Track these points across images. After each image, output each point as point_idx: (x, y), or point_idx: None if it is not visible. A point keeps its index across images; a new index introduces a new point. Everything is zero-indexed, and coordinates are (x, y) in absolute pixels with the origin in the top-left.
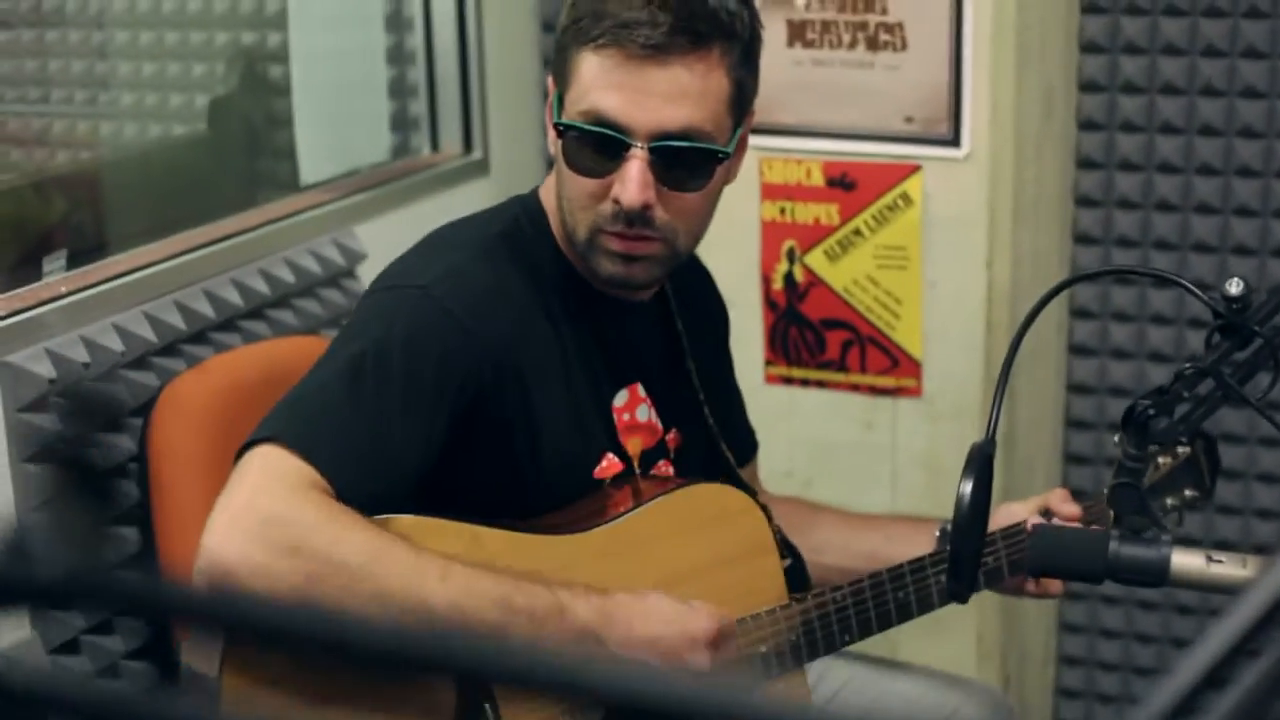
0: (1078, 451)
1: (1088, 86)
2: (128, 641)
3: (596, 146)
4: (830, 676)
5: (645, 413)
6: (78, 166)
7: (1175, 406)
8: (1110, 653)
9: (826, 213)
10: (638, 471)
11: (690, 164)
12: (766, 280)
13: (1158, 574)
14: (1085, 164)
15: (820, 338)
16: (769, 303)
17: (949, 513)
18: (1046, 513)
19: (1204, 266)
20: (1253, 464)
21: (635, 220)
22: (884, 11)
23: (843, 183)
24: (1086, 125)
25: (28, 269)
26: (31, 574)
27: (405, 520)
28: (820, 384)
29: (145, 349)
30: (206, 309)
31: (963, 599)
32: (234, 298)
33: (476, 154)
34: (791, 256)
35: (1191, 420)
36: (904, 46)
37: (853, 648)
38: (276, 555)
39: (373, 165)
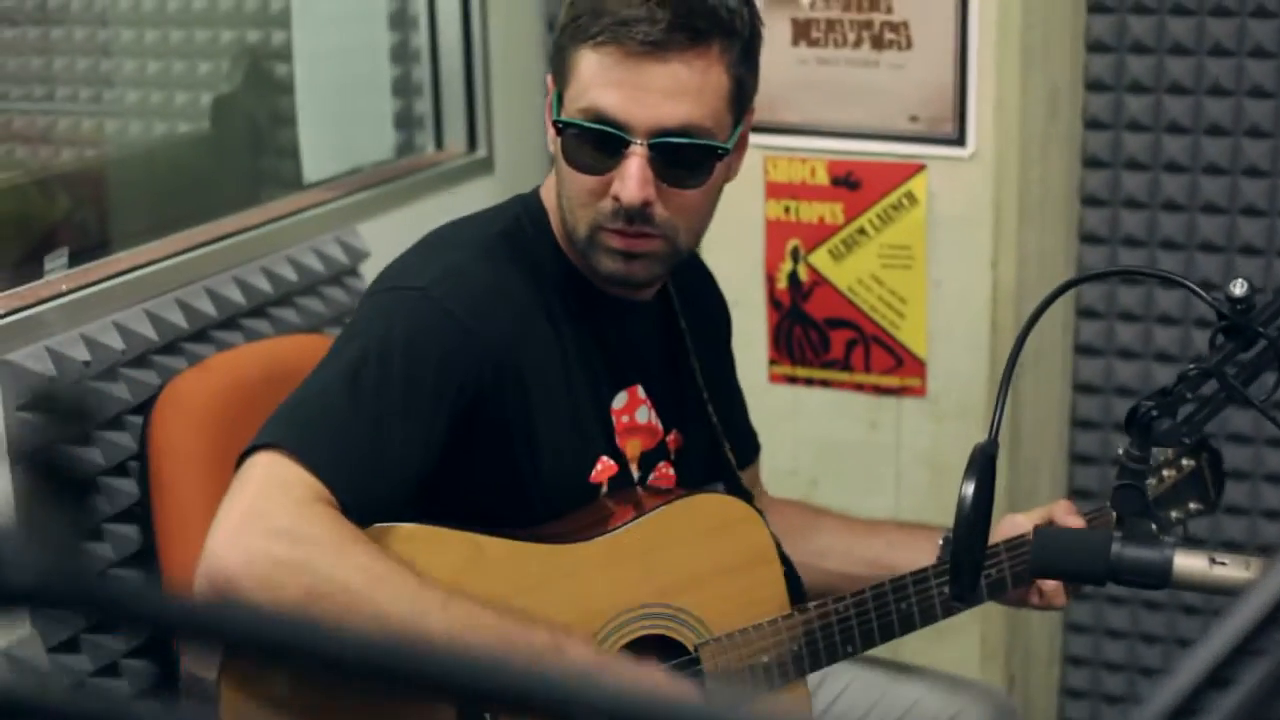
0: (1083, 451)
1: (1094, 86)
2: (128, 640)
3: (596, 144)
4: (833, 680)
5: (645, 414)
6: (82, 164)
7: (1179, 408)
8: (1115, 653)
9: (831, 212)
10: (635, 475)
11: (690, 160)
12: (771, 279)
13: (1160, 576)
14: (1091, 163)
15: (825, 337)
16: (773, 302)
17: (953, 512)
18: (1050, 524)
19: (1211, 266)
20: (1259, 465)
21: (635, 217)
22: (889, 10)
23: (847, 182)
24: (1093, 124)
25: (29, 267)
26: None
27: (406, 528)
28: (824, 383)
29: (146, 347)
30: (208, 307)
31: (964, 601)
32: (236, 296)
33: (481, 152)
34: (796, 255)
35: (1195, 421)
36: (909, 45)
37: None
38: (281, 569)
39: (376, 163)
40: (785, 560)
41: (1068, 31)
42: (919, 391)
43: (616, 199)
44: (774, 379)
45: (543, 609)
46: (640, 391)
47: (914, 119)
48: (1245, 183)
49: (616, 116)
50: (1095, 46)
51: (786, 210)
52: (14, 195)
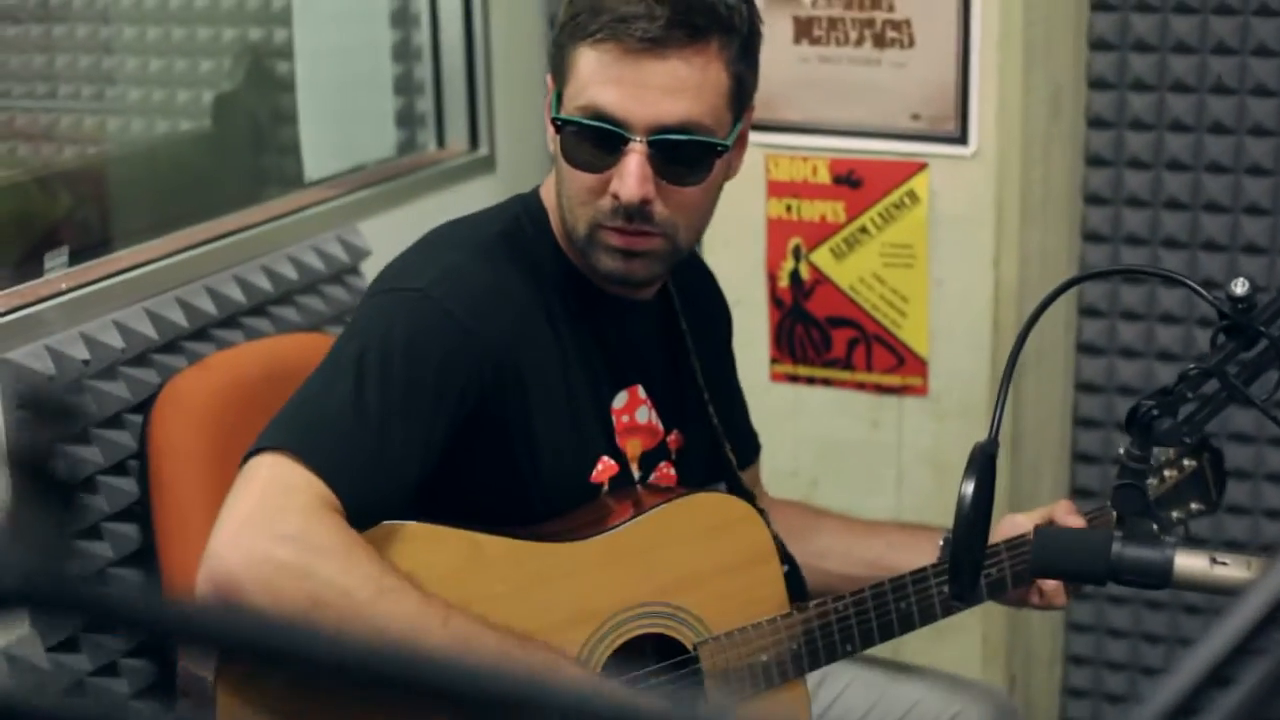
0: (1086, 450)
1: (1097, 84)
2: (127, 640)
3: (595, 141)
4: (832, 679)
5: (645, 414)
6: (83, 162)
7: (1179, 407)
8: (1118, 652)
9: (833, 210)
10: (635, 475)
11: (689, 158)
12: (772, 278)
13: (1161, 576)
14: (1094, 162)
15: (826, 336)
16: (775, 300)
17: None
18: (1050, 524)
19: (1214, 265)
20: (1261, 464)
21: (634, 215)
22: (891, 8)
23: (849, 180)
24: (1096, 123)
25: (29, 265)
26: None
27: (406, 528)
28: (826, 382)
29: (146, 346)
30: (208, 305)
31: (963, 601)
32: (236, 294)
33: (483, 150)
34: (797, 254)
35: (1196, 421)
36: (911, 43)
37: None
38: (285, 574)
39: (378, 161)
40: (789, 560)
41: (1070, 29)
42: (921, 390)
43: (616, 197)
44: (775, 378)
45: (542, 608)
46: (641, 391)
47: (916, 117)
48: (1248, 181)
49: (615, 114)
50: (1098, 44)
51: (788, 209)
52: (16, 193)
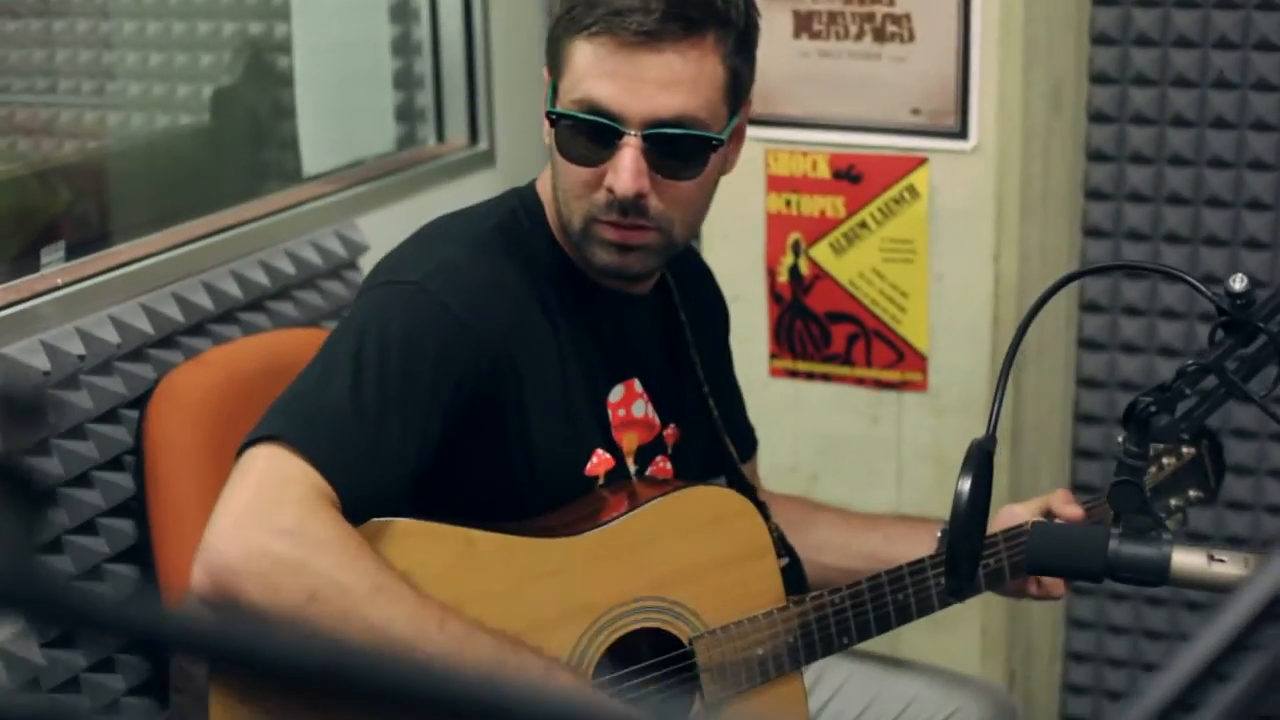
0: (1087, 446)
1: (1098, 79)
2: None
3: (590, 135)
4: (829, 675)
5: (642, 408)
6: (83, 157)
7: (1177, 403)
8: (1118, 648)
9: (832, 205)
10: (631, 469)
11: (684, 152)
12: (772, 273)
13: (1158, 573)
14: (1095, 157)
15: (825, 331)
16: (774, 296)
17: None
18: (1048, 514)
19: (1215, 260)
20: (1263, 459)
21: (629, 209)
22: (891, 3)
23: (849, 175)
24: (1097, 118)
25: (25, 260)
26: None
27: (400, 524)
28: (825, 377)
29: (142, 341)
30: (205, 300)
31: (960, 596)
32: (233, 289)
33: (482, 145)
34: (797, 249)
35: (1194, 417)
36: (911, 38)
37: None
38: (282, 568)
39: (377, 156)
40: (789, 553)
41: (1071, 24)
42: (920, 386)
43: (611, 191)
44: (775, 373)
45: (536, 604)
46: (637, 385)
47: (916, 112)
48: (1250, 176)
49: (610, 107)
50: (1099, 39)
51: (788, 204)
52: (15, 187)
